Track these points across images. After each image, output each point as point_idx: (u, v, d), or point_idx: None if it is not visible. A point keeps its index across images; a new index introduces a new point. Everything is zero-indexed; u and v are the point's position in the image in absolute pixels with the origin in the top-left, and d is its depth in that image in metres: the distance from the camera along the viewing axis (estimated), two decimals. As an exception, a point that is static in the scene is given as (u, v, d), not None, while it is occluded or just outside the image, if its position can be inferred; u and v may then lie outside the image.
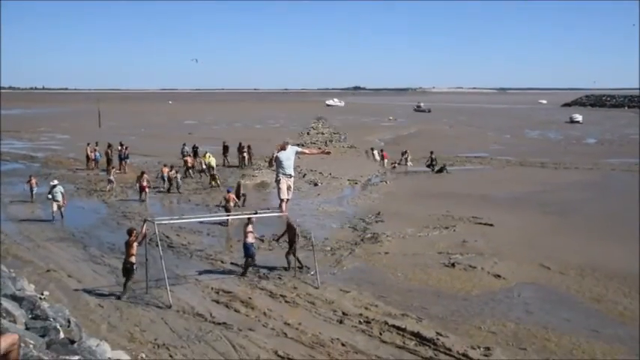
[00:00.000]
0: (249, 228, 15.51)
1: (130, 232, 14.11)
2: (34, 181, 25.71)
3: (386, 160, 37.47)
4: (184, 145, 38.28)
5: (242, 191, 24.93)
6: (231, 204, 21.99)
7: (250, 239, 15.45)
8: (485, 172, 35.65)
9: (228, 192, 22.78)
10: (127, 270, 13.80)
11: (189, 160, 33.72)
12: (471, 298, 13.83)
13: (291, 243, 15.96)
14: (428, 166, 35.58)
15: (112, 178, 28.81)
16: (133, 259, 13.78)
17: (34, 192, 25.24)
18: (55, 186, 22.23)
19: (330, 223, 21.46)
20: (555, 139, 59.95)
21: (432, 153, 36.56)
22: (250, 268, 15.59)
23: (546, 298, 13.88)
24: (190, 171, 32.72)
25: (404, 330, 11.76)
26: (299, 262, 15.87)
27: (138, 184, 26.08)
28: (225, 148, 38.69)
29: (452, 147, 49.19)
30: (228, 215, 19.83)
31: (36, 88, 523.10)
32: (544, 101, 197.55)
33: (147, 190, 26.15)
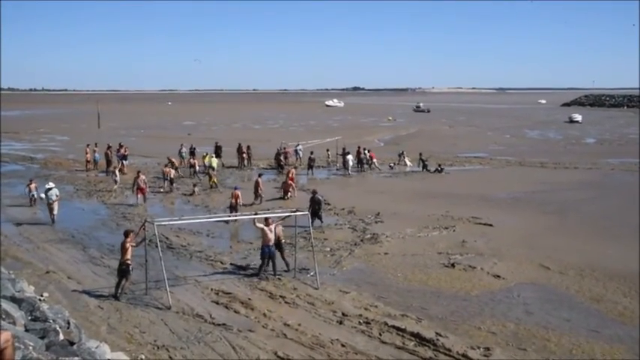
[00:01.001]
0: (267, 230, 15.23)
1: (126, 234, 14.11)
2: (33, 185, 25.47)
3: (375, 161, 36.97)
4: (182, 145, 38.28)
5: (260, 191, 24.99)
6: (234, 201, 22.06)
7: (267, 242, 15.25)
8: (485, 172, 35.66)
9: (236, 189, 22.87)
10: (123, 271, 13.79)
11: (176, 161, 33.89)
12: (470, 299, 13.83)
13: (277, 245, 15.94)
14: (423, 168, 35.34)
15: (117, 178, 28.89)
16: (128, 260, 13.78)
17: (33, 196, 25.04)
18: (50, 189, 22.15)
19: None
20: (555, 139, 59.97)
21: (420, 155, 36.46)
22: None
23: (546, 298, 13.88)
24: (177, 171, 32.88)
25: (404, 330, 11.77)
26: (277, 263, 15.81)
27: (135, 186, 25.11)
28: (218, 149, 37.97)
29: (451, 147, 49.25)
30: (227, 215, 19.84)
31: (35, 90, 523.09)
32: (543, 101, 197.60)
33: (143, 193, 25.27)
